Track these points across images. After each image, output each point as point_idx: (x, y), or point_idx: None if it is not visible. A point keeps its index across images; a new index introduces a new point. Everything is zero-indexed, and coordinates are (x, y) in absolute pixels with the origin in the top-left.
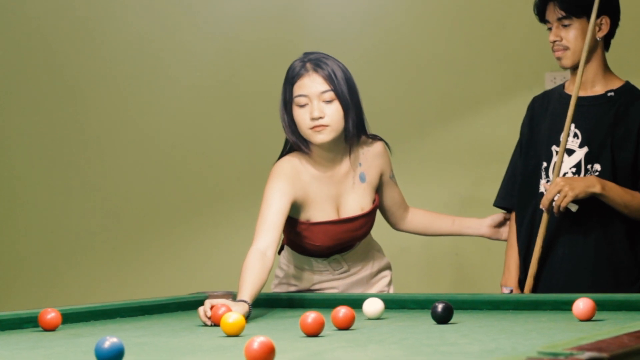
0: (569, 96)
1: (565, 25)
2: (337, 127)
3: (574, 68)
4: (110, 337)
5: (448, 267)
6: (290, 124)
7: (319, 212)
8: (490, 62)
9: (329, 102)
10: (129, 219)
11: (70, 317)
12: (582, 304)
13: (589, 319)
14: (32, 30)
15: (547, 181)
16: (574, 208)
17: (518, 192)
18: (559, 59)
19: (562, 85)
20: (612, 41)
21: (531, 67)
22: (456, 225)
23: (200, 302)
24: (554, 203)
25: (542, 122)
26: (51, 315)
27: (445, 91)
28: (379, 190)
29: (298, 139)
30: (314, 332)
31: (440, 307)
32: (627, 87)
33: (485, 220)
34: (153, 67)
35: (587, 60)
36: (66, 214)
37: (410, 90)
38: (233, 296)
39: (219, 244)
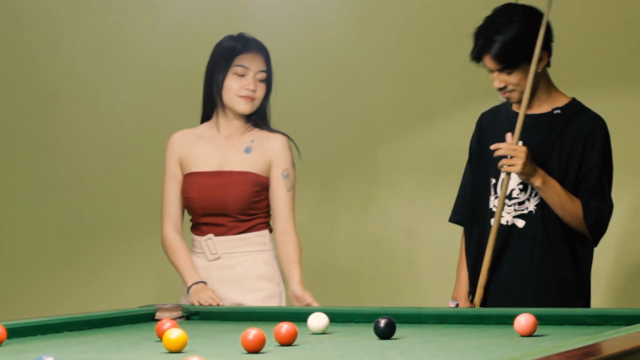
0: (516, 114)
1: (508, 73)
2: (258, 104)
3: None
4: (46, 356)
5: (402, 276)
6: (220, 86)
7: (200, 166)
8: (444, 72)
9: (261, 81)
10: (79, 230)
11: (16, 332)
12: (523, 319)
13: (530, 335)
14: None
15: (496, 197)
16: (520, 224)
17: (467, 206)
18: (508, 98)
19: (509, 103)
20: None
21: (485, 77)
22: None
23: (149, 315)
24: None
25: (490, 138)
26: None
27: (399, 101)
28: (270, 185)
29: (216, 102)
30: (254, 349)
31: (382, 322)
32: (573, 104)
33: (295, 287)
34: (106, 67)
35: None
36: (12, 224)
37: (363, 100)
38: (183, 308)
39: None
